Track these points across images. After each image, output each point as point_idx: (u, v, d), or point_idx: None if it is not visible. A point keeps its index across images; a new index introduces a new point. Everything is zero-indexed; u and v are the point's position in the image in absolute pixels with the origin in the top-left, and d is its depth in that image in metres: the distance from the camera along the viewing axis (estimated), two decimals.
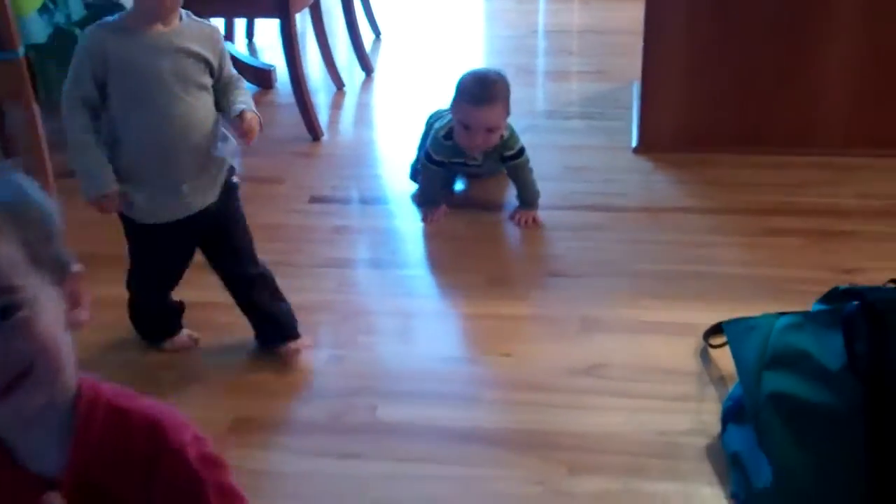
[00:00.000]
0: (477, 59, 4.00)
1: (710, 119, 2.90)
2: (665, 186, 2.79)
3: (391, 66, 3.79)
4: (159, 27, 1.80)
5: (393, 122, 3.31)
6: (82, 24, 2.67)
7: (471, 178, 2.81)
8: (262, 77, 3.54)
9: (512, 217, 2.63)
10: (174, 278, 2.07)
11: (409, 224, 2.68)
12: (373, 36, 4.03)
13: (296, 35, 3.10)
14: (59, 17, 2.64)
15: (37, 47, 2.51)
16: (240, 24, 3.91)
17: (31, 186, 0.98)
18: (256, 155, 3.15)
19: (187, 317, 2.16)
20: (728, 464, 1.75)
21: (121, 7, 2.85)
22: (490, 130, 2.53)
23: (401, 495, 1.74)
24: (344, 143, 3.24)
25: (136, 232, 1.96)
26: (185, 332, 2.14)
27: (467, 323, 2.27)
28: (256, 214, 2.68)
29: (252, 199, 2.77)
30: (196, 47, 1.82)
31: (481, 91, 2.52)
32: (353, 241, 2.61)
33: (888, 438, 1.57)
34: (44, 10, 2.58)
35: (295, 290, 2.22)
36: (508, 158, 2.61)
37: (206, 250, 2.03)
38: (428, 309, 2.32)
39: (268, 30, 4.00)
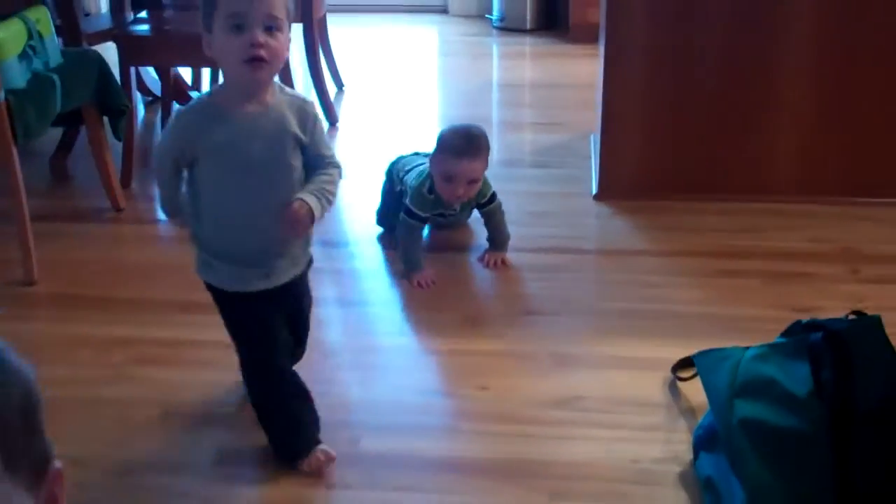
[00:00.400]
0: (433, 111, 4.12)
1: (667, 167, 3.03)
2: (625, 231, 2.90)
3: (354, 117, 3.88)
4: (251, 106, 1.69)
5: (358, 168, 3.38)
6: (59, 70, 2.72)
7: (441, 228, 2.88)
8: None
9: (482, 259, 2.72)
10: (280, 344, 1.90)
11: (377, 265, 2.77)
12: (335, 88, 4.13)
13: None
14: (38, 64, 2.68)
15: (15, 92, 2.54)
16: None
17: (9, 356, 0.75)
18: None
19: (171, 352, 2.20)
20: (701, 488, 1.83)
21: (94, 53, 2.92)
22: (472, 182, 2.62)
23: None
24: None
25: (225, 301, 1.85)
26: (321, 448, 1.91)
27: (444, 358, 2.33)
28: None
29: None
30: (288, 125, 1.73)
31: (466, 144, 2.60)
32: (323, 282, 2.67)
33: (854, 458, 1.67)
34: (23, 56, 2.62)
35: None
36: (483, 205, 2.71)
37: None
38: (404, 346, 2.39)
39: None
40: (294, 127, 1.74)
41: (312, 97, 3.79)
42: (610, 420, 2.06)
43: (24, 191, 2.60)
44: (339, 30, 4.22)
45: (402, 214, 2.69)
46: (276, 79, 1.75)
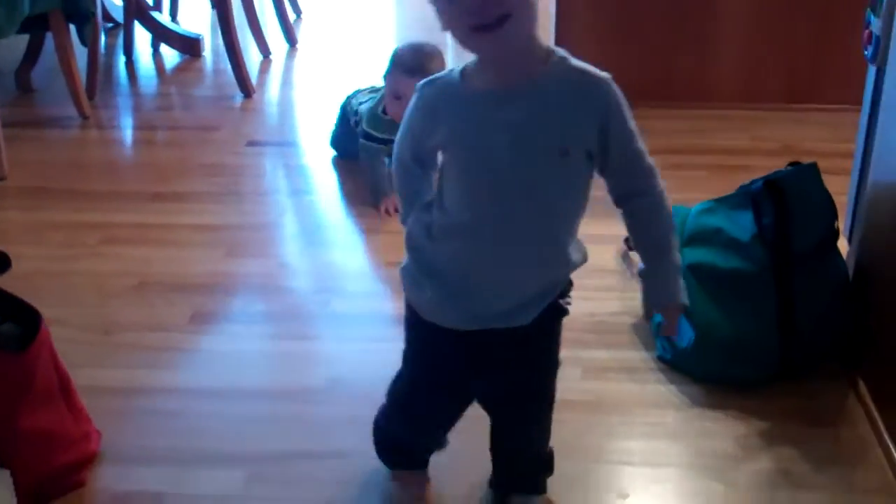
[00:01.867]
0: (390, 37, 4.20)
1: (618, 78, 3.14)
2: None
3: (312, 41, 3.94)
4: (508, 80, 1.24)
5: (316, 84, 3.46)
6: None
7: None
8: (190, 45, 3.66)
9: None
10: (443, 411, 1.50)
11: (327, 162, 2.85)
12: (294, 15, 4.18)
13: None
14: None
15: None
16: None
17: None
18: (191, 109, 3.32)
19: (142, 233, 2.27)
20: (653, 333, 1.97)
21: None
22: None
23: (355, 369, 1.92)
24: (273, 101, 3.39)
25: (414, 326, 1.41)
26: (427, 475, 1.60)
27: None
28: (198, 156, 2.86)
29: (192, 143, 2.96)
30: (563, 111, 1.25)
31: (416, 61, 2.49)
32: (286, 176, 2.79)
33: (793, 295, 1.81)
34: None
35: (243, 214, 2.51)
36: None
37: (482, 380, 1.45)
38: (370, 225, 2.49)
39: (190, 4, 4.15)
40: (574, 112, 1.26)
41: (271, 18, 3.86)
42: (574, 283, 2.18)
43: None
44: None
45: (360, 140, 2.62)
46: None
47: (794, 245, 1.81)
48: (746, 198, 1.91)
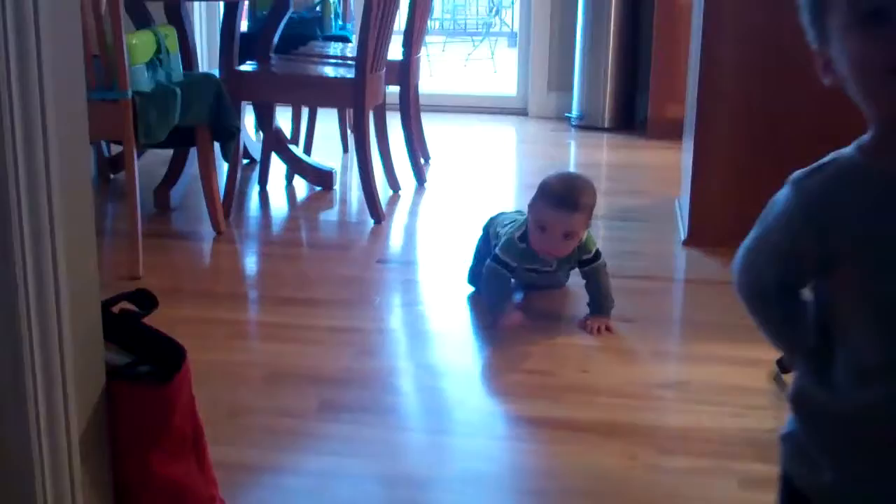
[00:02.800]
0: (512, 182, 4.23)
1: (755, 215, 3.07)
2: (714, 266, 2.89)
3: (441, 182, 3.99)
4: None
5: (444, 217, 3.47)
6: (181, 85, 2.88)
7: (534, 289, 2.62)
8: (323, 178, 3.74)
9: (583, 325, 2.40)
10: None
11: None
12: (423, 160, 4.26)
13: (367, 125, 3.32)
14: (162, 76, 2.84)
15: (141, 94, 2.70)
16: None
17: None
18: (322, 231, 3.36)
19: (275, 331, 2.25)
20: None
21: (214, 77, 3.08)
22: (569, 236, 2.35)
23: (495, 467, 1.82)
24: (402, 227, 3.40)
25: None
26: None
27: (542, 348, 2.34)
28: (329, 270, 2.93)
29: (324, 259, 2.98)
30: None
31: (566, 194, 2.35)
32: (415, 288, 2.76)
33: None
34: (151, 64, 2.79)
35: (373, 319, 2.52)
36: (585, 262, 2.44)
37: None
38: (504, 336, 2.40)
39: (323, 143, 4.29)
40: None
41: (402, 159, 3.93)
42: (716, 399, 2.05)
43: (137, 188, 2.72)
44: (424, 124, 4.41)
45: (488, 261, 2.46)
46: None
47: None
48: None
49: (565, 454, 1.83)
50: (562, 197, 2.34)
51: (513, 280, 2.52)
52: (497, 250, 2.45)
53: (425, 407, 2.06)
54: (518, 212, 2.67)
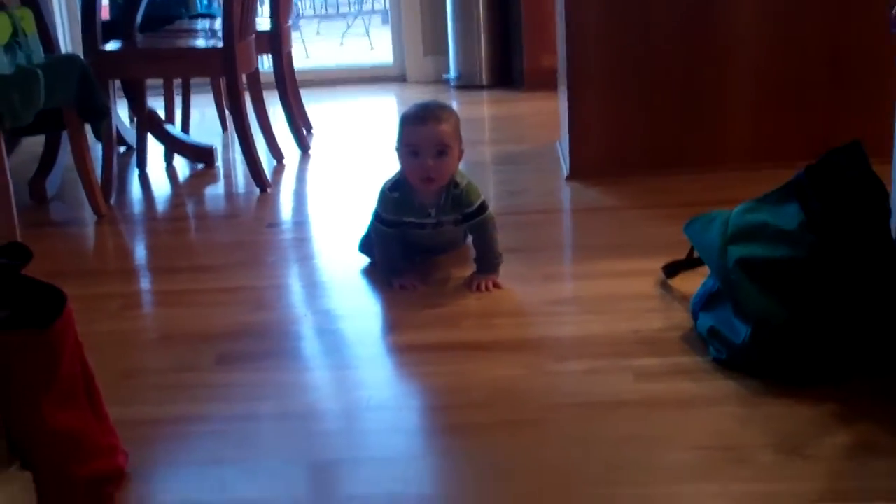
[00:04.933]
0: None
1: (632, 147, 3.15)
2: (597, 196, 2.97)
3: (325, 150, 3.97)
4: None
5: (331, 182, 3.45)
6: (42, 67, 2.80)
7: (423, 250, 2.46)
8: (204, 154, 3.69)
9: (469, 284, 2.30)
10: None
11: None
12: (304, 130, 4.23)
13: (242, 93, 3.29)
14: (21, 59, 2.76)
15: (3, 77, 2.61)
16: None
17: None
18: (208, 203, 3.32)
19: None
20: (705, 339, 1.87)
21: (77, 58, 3.00)
22: (441, 153, 2.22)
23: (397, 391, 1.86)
24: (290, 194, 3.38)
25: None
26: None
27: (434, 298, 2.36)
28: (218, 237, 2.91)
29: (211, 228, 2.95)
30: None
31: (427, 110, 2.30)
32: (308, 245, 2.75)
33: (847, 274, 1.73)
34: (8, 48, 2.70)
35: (266, 276, 2.50)
36: (470, 215, 2.31)
37: None
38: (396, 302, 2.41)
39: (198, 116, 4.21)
40: None
41: (283, 130, 3.90)
42: (607, 308, 2.10)
43: (8, 174, 2.64)
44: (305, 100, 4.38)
45: (372, 223, 2.40)
46: None
47: (845, 226, 1.74)
48: (788, 190, 1.86)
49: (464, 373, 1.85)
50: (424, 112, 2.28)
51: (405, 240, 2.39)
52: (378, 210, 2.36)
53: (324, 348, 2.05)
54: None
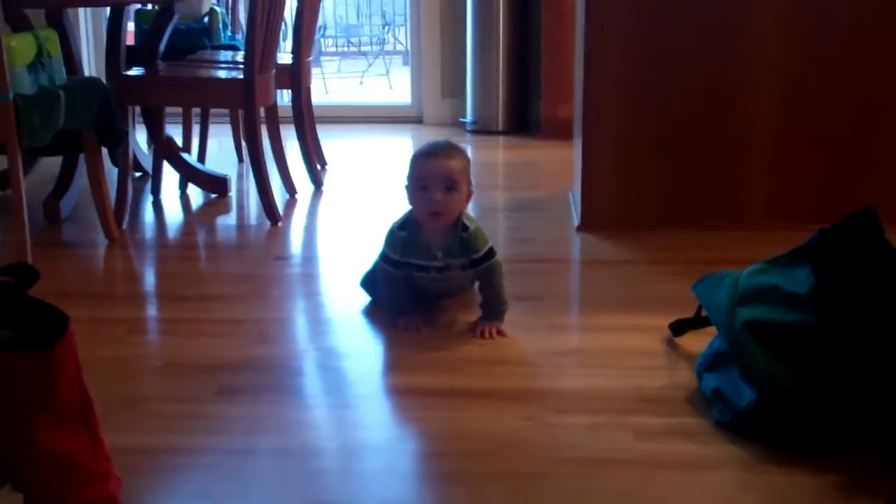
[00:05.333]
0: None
1: (646, 201, 3.15)
2: (607, 248, 2.96)
3: (338, 186, 3.98)
4: None
5: (342, 218, 3.46)
6: (64, 88, 2.82)
7: (429, 295, 2.41)
8: (218, 184, 3.70)
9: (473, 330, 2.28)
10: None
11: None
12: (319, 166, 4.25)
13: (259, 125, 3.31)
14: (44, 79, 2.79)
15: (24, 97, 2.64)
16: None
17: None
18: (218, 233, 3.33)
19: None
20: (709, 402, 1.85)
21: (99, 81, 3.02)
22: (450, 188, 2.22)
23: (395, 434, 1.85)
24: (300, 228, 3.38)
25: None
26: None
27: (438, 342, 2.35)
28: (225, 268, 2.92)
29: (220, 258, 2.95)
30: None
31: (438, 146, 2.31)
32: (315, 281, 2.74)
33: (858, 342, 1.71)
34: (32, 67, 2.73)
35: (271, 309, 2.49)
36: (477, 261, 2.29)
37: None
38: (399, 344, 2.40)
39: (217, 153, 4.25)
40: None
41: (298, 165, 3.92)
42: (611, 363, 2.09)
43: (24, 194, 2.66)
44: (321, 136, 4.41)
45: (378, 264, 2.37)
46: None
47: (857, 294, 1.73)
48: (800, 253, 1.85)
49: (464, 420, 1.84)
50: (434, 148, 2.30)
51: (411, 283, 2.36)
52: (385, 249, 2.34)
53: (325, 385, 2.04)
54: None
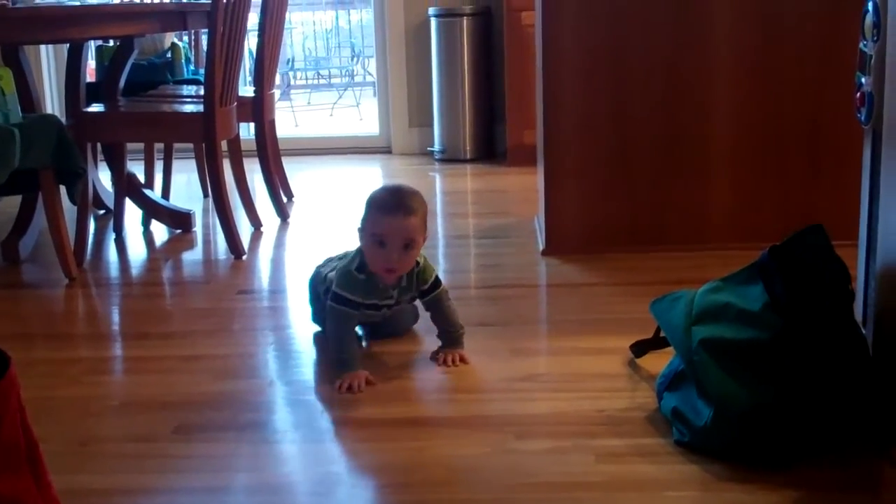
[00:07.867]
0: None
1: (610, 223, 3.15)
2: (572, 272, 2.96)
3: (305, 218, 3.97)
4: None
5: (308, 250, 3.44)
6: (19, 127, 2.80)
7: (379, 333, 2.44)
8: (181, 220, 3.68)
9: (435, 357, 2.28)
10: None
11: None
12: (286, 198, 4.23)
13: (221, 159, 3.29)
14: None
15: None
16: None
17: None
18: (182, 269, 3.29)
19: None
20: (669, 419, 1.84)
21: (54, 118, 3.00)
22: (408, 247, 2.18)
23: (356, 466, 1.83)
24: (266, 261, 3.36)
25: None
26: None
27: (404, 365, 2.34)
28: (188, 304, 2.90)
29: (182, 294, 2.92)
30: None
31: (397, 200, 2.21)
32: (279, 314, 2.72)
33: (812, 361, 1.71)
34: None
35: (232, 344, 2.46)
36: (426, 292, 2.30)
37: None
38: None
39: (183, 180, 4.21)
40: None
41: (263, 194, 3.91)
42: (573, 386, 2.08)
43: None
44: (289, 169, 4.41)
45: (329, 303, 2.25)
46: None
47: (809, 309, 1.73)
48: (753, 272, 1.85)
49: (424, 449, 1.82)
50: (395, 203, 2.20)
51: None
52: (335, 288, 2.24)
53: (284, 420, 2.02)
54: (342, 255, 2.43)
